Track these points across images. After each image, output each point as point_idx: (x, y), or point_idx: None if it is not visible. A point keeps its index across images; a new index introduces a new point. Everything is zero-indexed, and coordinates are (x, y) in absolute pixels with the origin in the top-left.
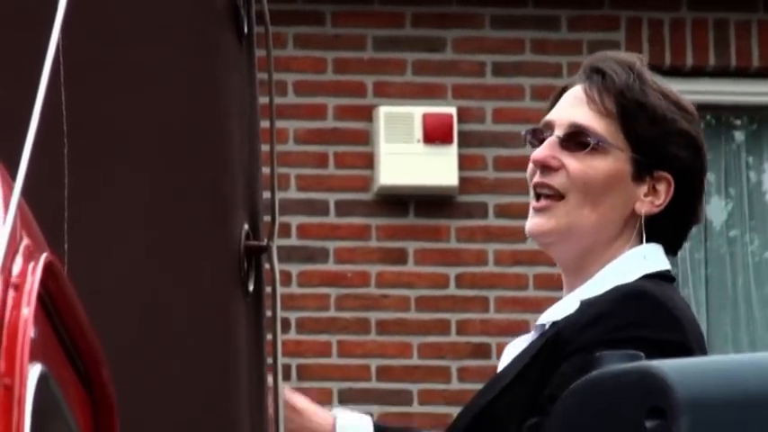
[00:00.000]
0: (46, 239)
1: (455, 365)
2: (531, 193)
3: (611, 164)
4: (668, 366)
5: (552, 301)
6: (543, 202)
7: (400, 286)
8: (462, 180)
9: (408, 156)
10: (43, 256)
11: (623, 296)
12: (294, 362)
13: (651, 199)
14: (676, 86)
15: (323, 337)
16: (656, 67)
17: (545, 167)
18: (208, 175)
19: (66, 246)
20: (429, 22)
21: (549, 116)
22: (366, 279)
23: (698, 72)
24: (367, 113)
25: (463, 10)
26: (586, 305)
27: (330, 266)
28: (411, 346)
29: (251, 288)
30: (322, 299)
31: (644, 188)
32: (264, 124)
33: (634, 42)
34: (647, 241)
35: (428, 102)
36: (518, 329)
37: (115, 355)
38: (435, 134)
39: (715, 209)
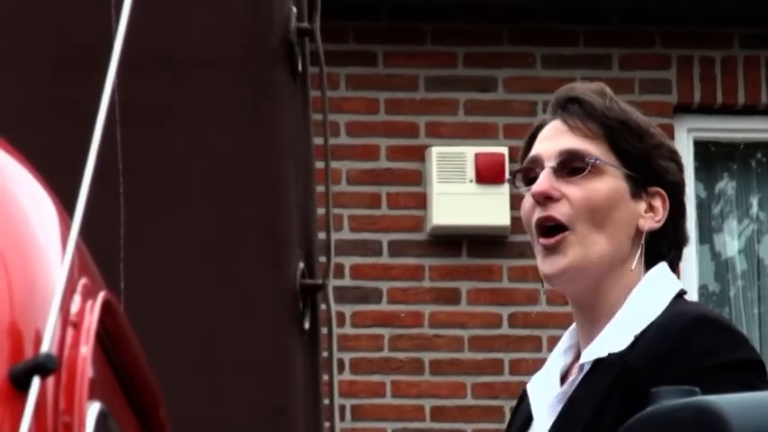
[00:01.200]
0: (103, 278)
1: (509, 405)
2: (534, 232)
3: (610, 183)
4: (724, 401)
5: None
6: (552, 239)
7: (453, 326)
8: (514, 219)
9: (461, 196)
10: (101, 295)
11: (690, 325)
12: (348, 402)
13: (651, 215)
14: (728, 125)
15: (377, 378)
16: (708, 106)
17: (547, 199)
18: (264, 213)
19: (122, 284)
20: (480, 62)
21: (534, 151)
22: (419, 319)
23: (750, 110)
24: (419, 153)
25: (514, 49)
26: (649, 338)
27: (383, 306)
28: (465, 385)
29: (307, 326)
30: (375, 339)
31: (643, 204)
32: (319, 165)
33: (685, 81)
34: (652, 261)
35: (480, 141)
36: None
37: (172, 394)
38: (487, 174)
39: (766, 246)
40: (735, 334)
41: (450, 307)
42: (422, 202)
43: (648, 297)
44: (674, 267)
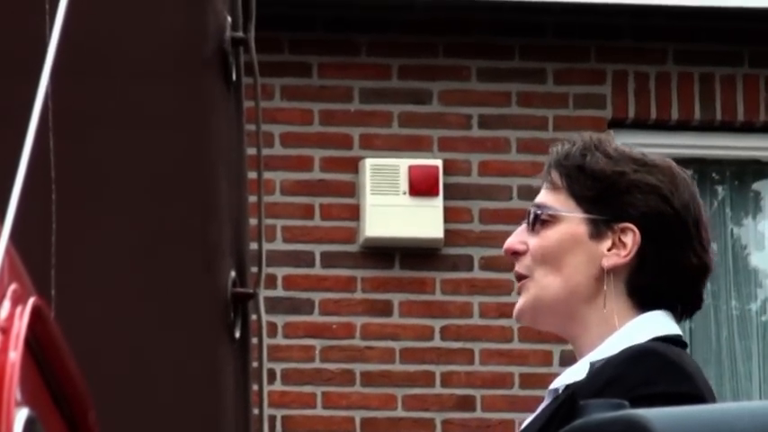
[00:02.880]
0: (33, 284)
1: (439, 417)
2: None
3: (563, 229)
4: (652, 415)
5: (537, 353)
6: (518, 286)
7: (385, 338)
8: (448, 232)
9: (394, 208)
10: (31, 301)
11: (631, 357)
12: (279, 413)
13: (616, 251)
14: (661, 140)
15: (307, 389)
16: (642, 121)
17: (515, 254)
18: (195, 221)
19: (53, 291)
20: (415, 75)
21: None
22: (351, 330)
23: (683, 126)
24: (353, 165)
25: (450, 62)
26: (596, 369)
27: (315, 318)
28: (395, 397)
29: (237, 335)
30: (307, 350)
31: (607, 243)
32: (252, 175)
33: (620, 96)
34: (647, 303)
35: (414, 154)
36: (502, 382)
37: (102, 401)
38: (421, 186)
39: None
40: (676, 368)
41: (383, 319)
42: (355, 213)
43: (625, 337)
44: (694, 306)
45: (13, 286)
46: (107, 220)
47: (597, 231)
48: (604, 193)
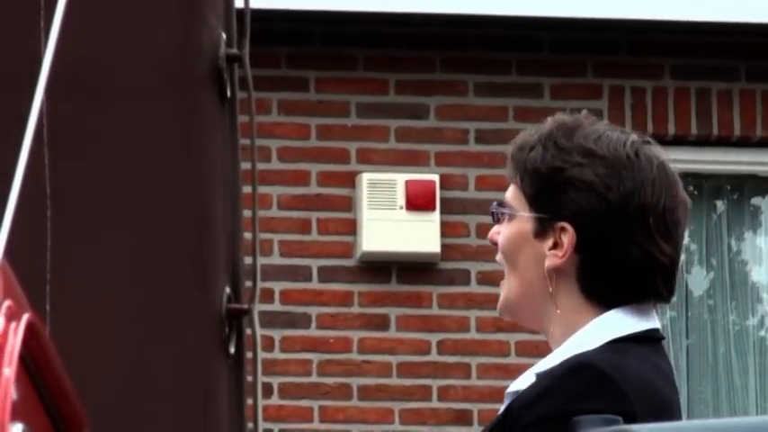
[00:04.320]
0: (28, 300)
1: (436, 431)
2: None
3: (514, 227)
4: (645, 430)
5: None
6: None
7: (382, 352)
8: (444, 247)
9: (391, 222)
10: (25, 317)
11: (566, 370)
12: (276, 427)
13: (555, 252)
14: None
15: (304, 403)
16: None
17: (494, 244)
18: (190, 238)
19: (48, 307)
20: (412, 89)
21: None
22: (348, 345)
23: (680, 141)
24: (350, 180)
25: (446, 77)
26: (538, 379)
27: (312, 332)
28: (392, 411)
29: (232, 350)
30: (304, 364)
31: (549, 243)
32: (247, 190)
33: (617, 110)
34: (608, 302)
35: (411, 169)
36: (499, 396)
37: (96, 416)
38: (418, 201)
39: (696, 277)
40: (612, 385)
41: (379, 333)
42: (352, 228)
43: (578, 341)
44: (662, 297)
45: (7, 302)
46: (102, 236)
47: (541, 230)
48: (543, 191)
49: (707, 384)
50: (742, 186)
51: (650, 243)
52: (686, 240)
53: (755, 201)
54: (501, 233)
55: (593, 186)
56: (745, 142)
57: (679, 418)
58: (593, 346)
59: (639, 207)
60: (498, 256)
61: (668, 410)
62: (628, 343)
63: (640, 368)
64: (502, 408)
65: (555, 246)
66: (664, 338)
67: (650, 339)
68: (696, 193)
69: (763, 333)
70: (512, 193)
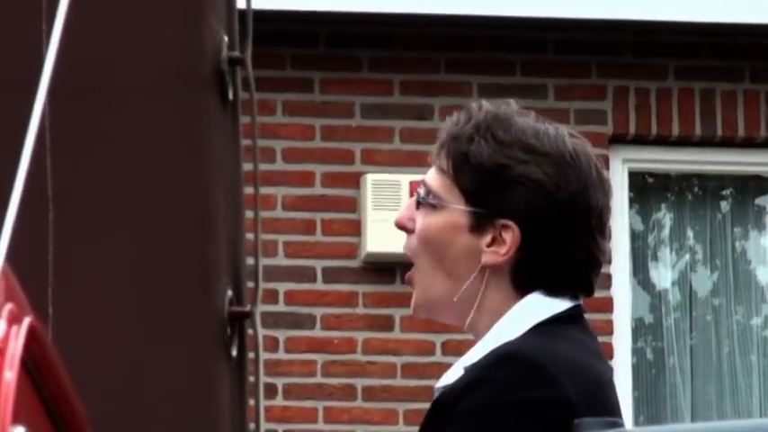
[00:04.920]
0: (30, 304)
1: None
2: None
3: (444, 218)
4: None
5: None
6: (407, 277)
7: (386, 353)
8: None
9: None
10: (27, 321)
11: (493, 361)
12: (281, 427)
13: (495, 248)
14: (662, 155)
15: (309, 404)
16: (643, 137)
17: (402, 229)
18: (192, 240)
19: (50, 310)
20: (417, 90)
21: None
22: (352, 345)
23: (684, 141)
24: (354, 181)
25: (451, 78)
26: (466, 371)
27: (317, 333)
28: (397, 412)
29: (234, 353)
30: (308, 365)
31: (487, 238)
32: (250, 191)
33: (620, 112)
34: (532, 292)
35: (415, 169)
36: None
37: (97, 419)
38: None
39: (700, 278)
40: (541, 372)
41: (384, 334)
42: (356, 229)
43: (502, 331)
44: (583, 291)
45: (8, 306)
46: (104, 239)
47: (478, 224)
48: (485, 187)
49: (711, 385)
50: (746, 187)
51: (592, 243)
52: (690, 241)
53: (759, 201)
54: (422, 222)
55: (542, 185)
56: (749, 143)
57: (614, 393)
58: (518, 333)
59: (584, 208)
60: (410, 245)
61: (605, 387)
62: (553, 324)
63: (570, 348)
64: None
65: (493, 242)
66: (585, 312)
67: (573, 317)
68: (700, 193)
69: (766, 333)
70: (440, 183)
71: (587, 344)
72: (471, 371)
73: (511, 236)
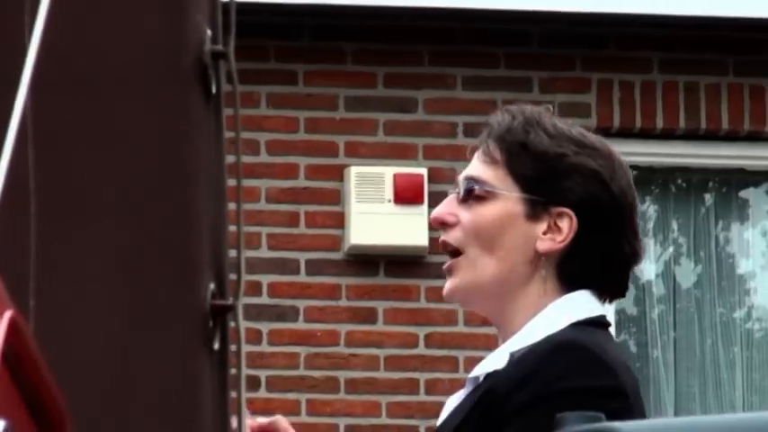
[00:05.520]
0: (11, 297)
1: (423, 425)
2: None
3: (499, 207)
4: (627, 428)
5: None
6: (447, 264)
7: (369, 345)
8: (432, 240)
9: (379, 216)
10: (7, 314)
11: (551, 350)
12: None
13: (552, 236)
14: (646, 149)
15: (292, 396)
16: (627, 130)
17: (443, 225)
18: (174, 234)
19: (31, 303)
20: (401, 83)
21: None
22: (335, 338)
23: (668, 134)
24: (338, 173)
25: (435, 70)
26: (516, 360)
27: (300, 325)
28: (380, 405)
29: (216, 347)
30: (292, 357)
31: (542, 226)
32: (232, 183)
33: (605, 104)
34: (575, 287)
35: (399, 162)
36: None
37: (79, 413)
38: (406, 194)
39: (684, 271)
40: (599, 361)
41: (367, 326)
42: (340, 221)
43: (544, 322)
44: (619, 292)
45: None
46: (86, 232)
47: (534, 212)
48: (545, 175)
49: (694, 378)
50: (730, 180)
51: (635, 239)
52: (674, 234)
53: (743, 194)
54: (472, 213)
55: (599, 175)
56: (733, 136)
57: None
58: (558, 327)
59: (631, 202)
60: (456, 237)
61: (638, 388)
62: (588, 326)
63: (614, 348)
64: (463, 392)
65: (548, 230)
66: (610, 325)
67: (605, 325)
68: (684, 186)
69: (750, 326)
70: (491, 174)
71: (622, 350)
72: (525, 359)
73: (568, 223)
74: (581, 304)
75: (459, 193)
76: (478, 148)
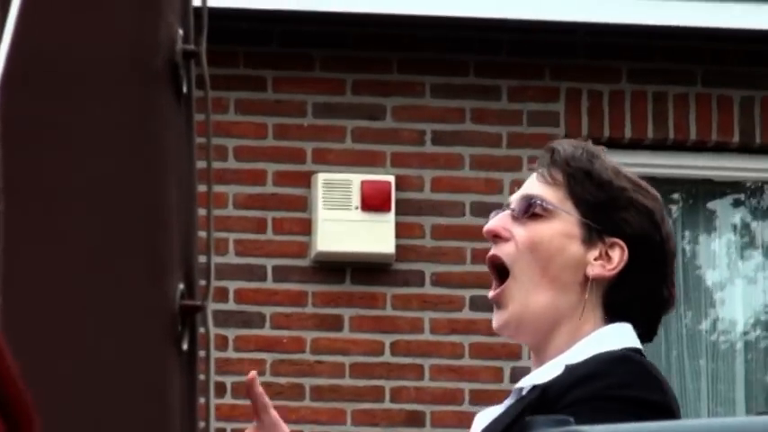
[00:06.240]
0: None
1: None
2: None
3: (557, 227)
4: (596, 430)
5: (487, 370)
6: (494, 291)
7: (335, 352)
8: (399, 248)
9: (346, 223)
10: None
11: (609, 359)
12: (229, 426)
13: (602, 263)
14: (616, 158)
15: None
16: (595, 139)
17: (496, 237)
18: (145, 233)
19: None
20: (369, 90)
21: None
22: (301, 345)
23: (636, 144)
24: (306, 180)
25: (403, 78)
26: (571, 368)
27: (266, 332)
28: (345, 412)
29: (185, 347)
30: (257, 364)
31: (595, 252)
32: (202, 188)
33: (573, 114)
34: (617, 320)
35: (367, 169)
36: (452, 398)
37: (47, 413)
38: (373, 202)
39: None
40: (652, 377)
41: (333, 333)
42: (307, 227)
43: (595, 343)
44: (650, 335)
45: None
46: (55, 231)
47: (590, 238)
48: (605, 203)
49: None
50: (697, 191)
51: (672, 286)
52: None
53: (710, 205)
54: (530, 229)
55: (653, 215)
56: (700, 147)
57: None
58: (611, 348)
59: (673, 249)
60: (507, 251)
61: (679, 408)
62: (635, 353)
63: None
64: (509, 400)
65: (600, 257)
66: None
67: (643, 356)
68: None
69: (715, 337)
70: (552, 194)
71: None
72: (579, 368)
73: (619, 254)
74: (626, 333)
75: (513, 210)
76: (536, 171)
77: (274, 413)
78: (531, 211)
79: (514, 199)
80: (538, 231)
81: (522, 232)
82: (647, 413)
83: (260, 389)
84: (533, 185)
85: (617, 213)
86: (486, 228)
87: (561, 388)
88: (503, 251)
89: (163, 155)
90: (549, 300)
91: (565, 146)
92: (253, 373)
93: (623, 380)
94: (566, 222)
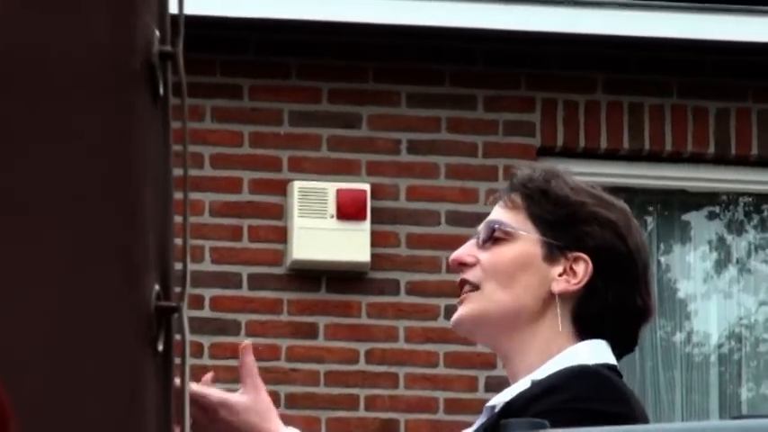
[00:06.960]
0: None
1: None
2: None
3: (518, 248)
4: None
5: (462, 379)
6: (462, 296)
7: (310, 360)
8: (374, 256)
9: (321, 231)
10: None
11: (572, 373)
12: None
13: (567, 278)
14: (590, 168)
15: None
16: (571, 149)
17: (461, 265)
18: (120, 234)
19: None
20: (345, 99)
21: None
22: (276, 352)
23: (611, 155)
24: (281, 188)
25: (379, 87)
26: (536, 383)
27: (241, 339)
28: (319, 420)
29: (160, 348)
30: (233, 371)
31: (559, 268)
32: (178, 196)
33: (549, 124)
34: (590, 334)
35: (342, 178)
36: (427, 407)
37: (23, 411)
38: (349, 210)
39: None
40: (617, 389)
41: (308, 341)
42: (282, 235)
43: (566, 360)
44: (629, 347)
45: None
46: (29, 234)
47: (551, 255)
48: (564, 220)
49: None
50: (672, 202)
51: (647, 295)
52: None
53: (685, 216)
54: (493, 253)
55: (616, 227)
56: (675, 158)
57: None
58: (581, 362)
59: (644, 260)
60: (474, 275)
61: (648, 419)
62: (606, 369)
63: (627, 385)
64: (480, 419)
65: (564, 273)
66: (622, 376)
67: (617, 373)
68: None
69: (690, 349)
70: (512, 217)
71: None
72: (544, 380)
73: (583, 268)
74: (602, 349)
75: (479, 238)
76: (500, 199)
77: (260, 381)
78: (493, 236)
79: (480, 228)
80: (499, 254)
81: (485, 256)
82: (609, 424)
83: (251, 358)
84: (496, 212)
85: (577, 228)
86: (451, 257)
87: (525, 400)
88: (470, 275)
89: (138, 156)
90: (508, 307)
91: (523, 169)
92: (248, 342)
93: (583, 393)
94: (526, 242)
